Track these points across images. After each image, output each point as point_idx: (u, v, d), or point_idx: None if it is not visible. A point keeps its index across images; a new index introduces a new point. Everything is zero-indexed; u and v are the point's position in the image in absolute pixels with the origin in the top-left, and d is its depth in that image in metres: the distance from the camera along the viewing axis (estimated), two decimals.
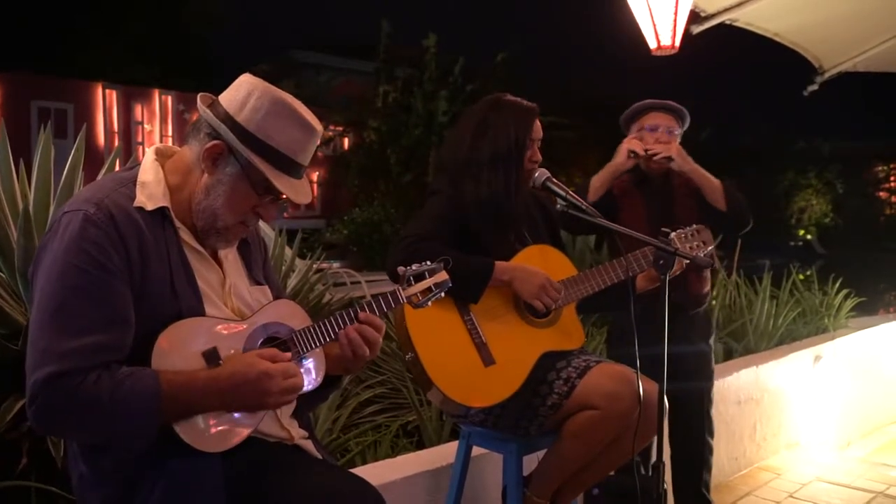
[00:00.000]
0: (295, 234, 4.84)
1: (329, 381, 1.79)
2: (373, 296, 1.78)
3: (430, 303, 1.82)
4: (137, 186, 1.59)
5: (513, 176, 2.41)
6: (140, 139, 18.71)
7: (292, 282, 3.97)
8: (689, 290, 3.01)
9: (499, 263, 2.33)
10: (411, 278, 1.81)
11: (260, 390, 1.52)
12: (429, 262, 1.83)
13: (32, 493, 2.33)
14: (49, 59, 18.96)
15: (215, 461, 1.53)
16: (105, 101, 18.15)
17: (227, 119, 1.59)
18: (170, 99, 19.20)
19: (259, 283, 1.79)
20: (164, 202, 1.60)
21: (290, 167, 1.63)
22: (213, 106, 1.63)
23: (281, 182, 1.60)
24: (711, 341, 3.15)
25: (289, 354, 1.61)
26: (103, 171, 3.02)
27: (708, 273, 3.12)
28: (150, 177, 1.62)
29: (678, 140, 3.06)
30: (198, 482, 1.52)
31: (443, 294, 1.84)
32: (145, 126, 18.87)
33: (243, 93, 1.62)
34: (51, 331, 1.43)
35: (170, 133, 19.02)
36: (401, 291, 1.79)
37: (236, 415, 1.56)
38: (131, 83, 18.76)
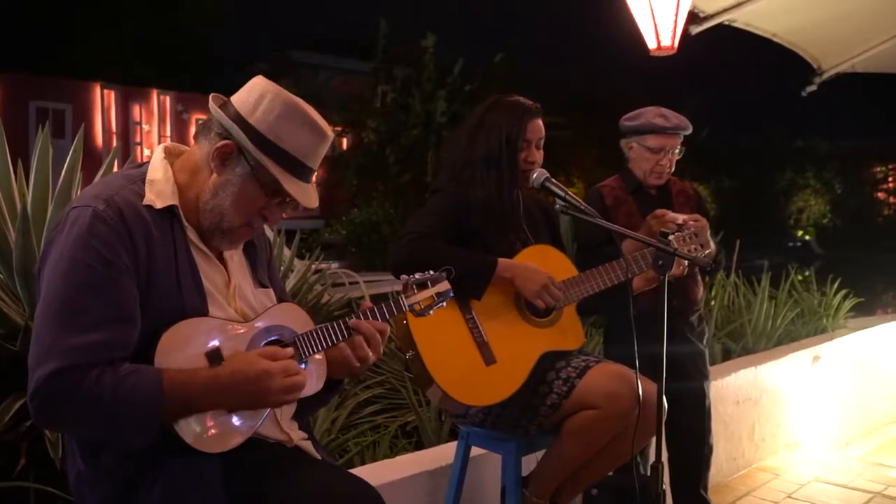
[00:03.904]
0: (293, 234, 4.84)
1: (330, 386, 1.79)
2: (375, 304, 1.77)
3: (431, 311, 1.82)
4: (146, 184, 1.59)
5: (505, 176, 2.41)
6: (138, 139, 18.73)
7: (291, 282, 3.97)
8: (687, 296, 3.02)
9: (502, 260, 2.33)
10: (414, 287, 1.81)
11: (261, 388, 1.52)
12: (431, 271, 1.83)
13: (31, 494, 2.33)
14: (47, 59, 18.96)
15: (215, 462, 1.53)
16: (103, 101, 18.16)
17: (239, 120, 1.59)
18: (168, 99, 19.21)
19: (264, 286, 1.79)
20: (173, 201, 1.59)
21: (300, 170, 1.63)
22: (225, 107, 1.63)
23: (290, 185, 1.60)
24: (706, 342, 3.16)
25: (289, 351, 1.60)
26: (101, 171, 3.02)
27: (700, 279, 3.13)
28: (159, 175, 1.61)
29: (678, 155, 3.04)
30: (197, 483, 1.51)
31: (444, 304, 1.84)
32: (143, 126, 18.88)
33: (256, 94, 1.61)
34: (56, 326, 1.43)
35: (168, 133, 19.03)
36: (403, 300, 1.79)
37: (236, 416, 1.56)
38: (130, 83, 18.76)
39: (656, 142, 2.97)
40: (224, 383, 1.51)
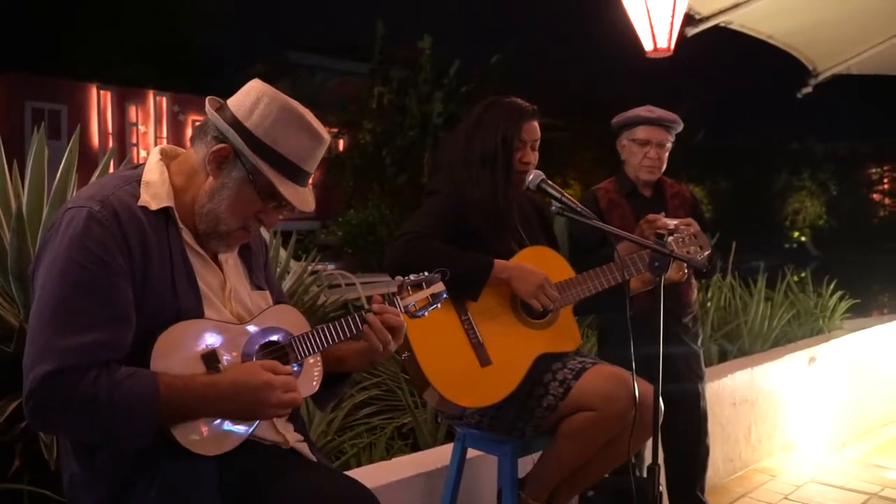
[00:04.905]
0: (290, 235, 4.84)
1: (337, 379, 1.81)
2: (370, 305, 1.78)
3: (426, 313, 1.82)
4: (142, 186, 1.59)
5: (500, 176, 2.41)
6: (134, 140, 18.71)
7: (287, 284, 3.97)
8: (680, 298, 3.03)
9: (498, 262, 2.33)
10: (409, 287, 1.81)
11: (259, 400, 1.52)
12: (426, 273, 1.83)
13: (25, 496, 2.32)
14: (45, 60, 18.93)
15: (211, 464, 1.53)
16: (99, 102, 18.13)
17: (235, 123, 1.58)
18: (164, 100, 19.18)
19: (260, 288, 1.79)
20: (169, 202, 1.59)
21: (296, 175, 1.63)
22: (221, 110, 1.62)
23: (286, 189, 1.60)
24: (700, 342, 3.17)
25: (290, 367, 1.60)
26: (97, 172, 3.01)
27: (694, 281, 3.13)
28: (154, 176, 1.61)
29: (668, 150, 3.07)
30: (193, 485, 1.51)
31: (439, 305, 1.84)
32: (140, 127, 18.85)
33: (252, 98, 1.61)
34: (51, 327, 1.42)
35: (164, 134, 19.00)
36: (398, 301, 1.79)
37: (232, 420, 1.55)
38: (126, 84, 18.74)
39: (644, 133, 3.02)
40: (223, 392, 1.50)
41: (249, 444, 1.59)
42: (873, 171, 38.55)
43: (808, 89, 5.55)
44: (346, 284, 5.52)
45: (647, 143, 3.01)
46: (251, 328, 1.63)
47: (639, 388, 2.18)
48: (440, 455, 2.72)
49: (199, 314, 1.58)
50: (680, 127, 3.06)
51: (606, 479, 2.44)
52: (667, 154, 3.06)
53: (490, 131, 2.42)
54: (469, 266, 2.27)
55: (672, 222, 2.65)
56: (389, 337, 1.73)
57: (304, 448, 1.76)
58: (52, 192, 2.87)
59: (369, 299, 1.81)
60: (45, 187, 2.92)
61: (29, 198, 2.87)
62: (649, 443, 2.14)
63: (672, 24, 4.09)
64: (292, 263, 4.39)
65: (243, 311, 1.69)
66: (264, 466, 1.61)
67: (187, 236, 1.62)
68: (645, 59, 4.36)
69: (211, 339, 1.56)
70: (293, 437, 1.74)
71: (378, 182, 19.27)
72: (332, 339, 1.69)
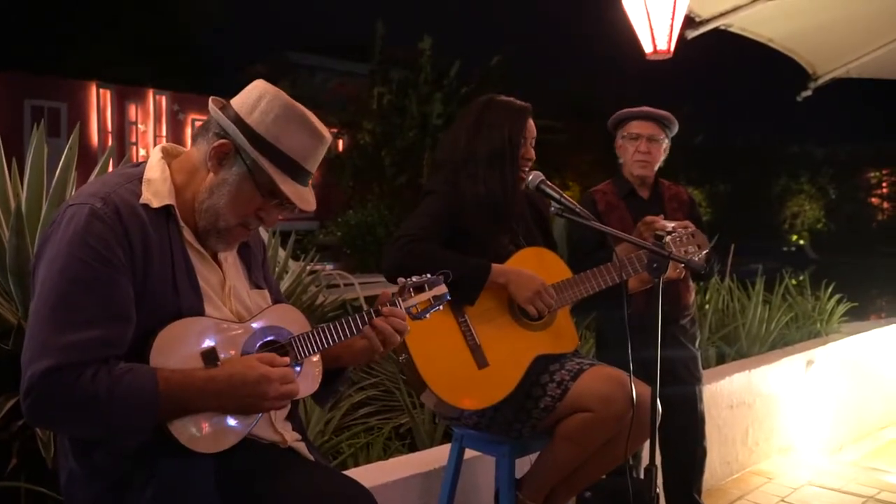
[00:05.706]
0: (288, 235, 4.83)
1: (333, 376, 1.81)
2: (372, 307, 1.78)
3: (428, 315, 1.83)
4: (143, 183, 1.59)
5: (508, 173, 2.43)
6: (134, 139, 18.67)
7: (286, 283, 3.96)
8: (678, 301, 3.03)
9: (496, 266, 2.33)
10: (411, 289, 1.81)
11: (257, 393, 1.52)
12: (429, 275, 1.84)
13: (22, 494, 2.32)
14: (44, 58, 18.91)
15: (208, 462, 1.53)
16: (99, 101, 18.10)
17: (237, 120, 1.59)
18: (164, 99, 19.15)
19: (259, 287, 1.79)
20: (170, 200, 1.59)
21: (297, 172, 1.63)
22: (224, 109, 1.63)
23: (287, 186, 1.60)
24: (697, 345, 3.17)
25: (287, 360, 1.60)
26: (96, 170, 3.01)
27: (692, 283, 3.13)
28: (156, 174, 1.61)
29: (664, 147, 3.08)
30: (191, 483, 1.51)
31: (441, 307, 1.84)
32: (139, 126, 18.81)
33: (254, 96, 1.62)
34: (51, 323, 1.42)
35: (164, 133, 18.97)
36: (400, 302, 1.79)
37: (230, 417, 1.55)
38: (126, 82, 18.71)
39: (636, 127, 3.05)
40: (220, 386, 1.50)
41: (247, 443, 1.59)
42: (872, 175, 38.56)
43: (808, 92, 5.57)
44: (345, 285, 5.51)
45: (639, 136, 3.04)
46: (251, 327, 1.64)
47: (636, 389, 2.19)
48: (437, 455, 2.72)
49: (200, 312, 1.58)
50: (675, 126, 3.08)
51: (603, 480, 2.44)
52: (661, 151, 3.07)
53: (495, 129, 2.43)
54: (466, 270, 2.26)
55: (670, 224, 2.65)
56: (397, 338, 1.74)
57: (301, 447, 1.76)
58: (51, 189, 2.86)
59: (368, 299, 1.81)
60: (45, 185, 2.92)
61: (28, 195, 2.87)
62: (646, 444, 2.14)
63: (672, 26, 4.10)
64: (291, 263, 4.38)
65: (243, 309, 1.69)
66: (262, 465, 1.62)
67: (188, 234, 1.63)
68: (645, 62, 4.36)
69: (210, 337, 1.56)
70: (291, 437, 1.75)
71: (377, 183, 19.25)
72: (333, 340, 1.69)
